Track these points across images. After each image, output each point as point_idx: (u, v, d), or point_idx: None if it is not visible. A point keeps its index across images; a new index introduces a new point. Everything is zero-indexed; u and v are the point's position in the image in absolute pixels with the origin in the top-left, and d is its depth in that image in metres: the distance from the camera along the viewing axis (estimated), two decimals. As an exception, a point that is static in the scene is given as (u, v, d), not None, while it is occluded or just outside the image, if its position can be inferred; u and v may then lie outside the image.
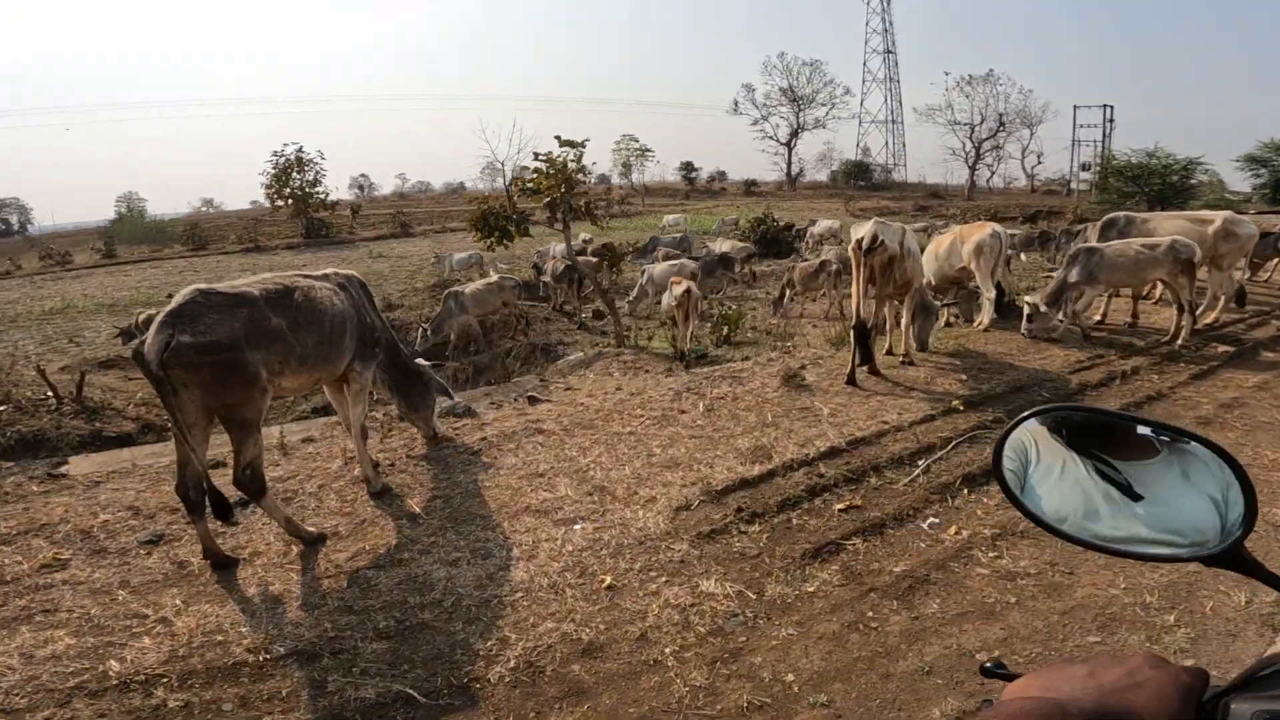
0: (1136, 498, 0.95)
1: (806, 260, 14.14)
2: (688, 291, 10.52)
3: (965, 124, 55.90)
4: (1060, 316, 8.02)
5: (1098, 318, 9.15)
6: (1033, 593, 3.44)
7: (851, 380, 6.77)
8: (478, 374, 11.47)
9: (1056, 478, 1.02)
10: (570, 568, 3.98)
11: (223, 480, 4.44)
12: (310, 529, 4.49)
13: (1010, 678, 0.77)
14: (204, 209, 64.88)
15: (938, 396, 6.34)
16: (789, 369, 7.06)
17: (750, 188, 59.12)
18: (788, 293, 12.93)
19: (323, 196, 37.59)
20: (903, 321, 7.78)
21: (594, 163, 12.68)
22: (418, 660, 3.33)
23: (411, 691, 3.11)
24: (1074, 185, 50.18)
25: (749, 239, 24.25)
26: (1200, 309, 8.60)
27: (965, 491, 4.57)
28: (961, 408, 5.98)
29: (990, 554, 3.82)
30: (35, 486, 5.53)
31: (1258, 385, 6.60)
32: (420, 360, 6.13)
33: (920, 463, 5.00)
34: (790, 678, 3.04)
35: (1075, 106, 51.52)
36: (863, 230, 6.79)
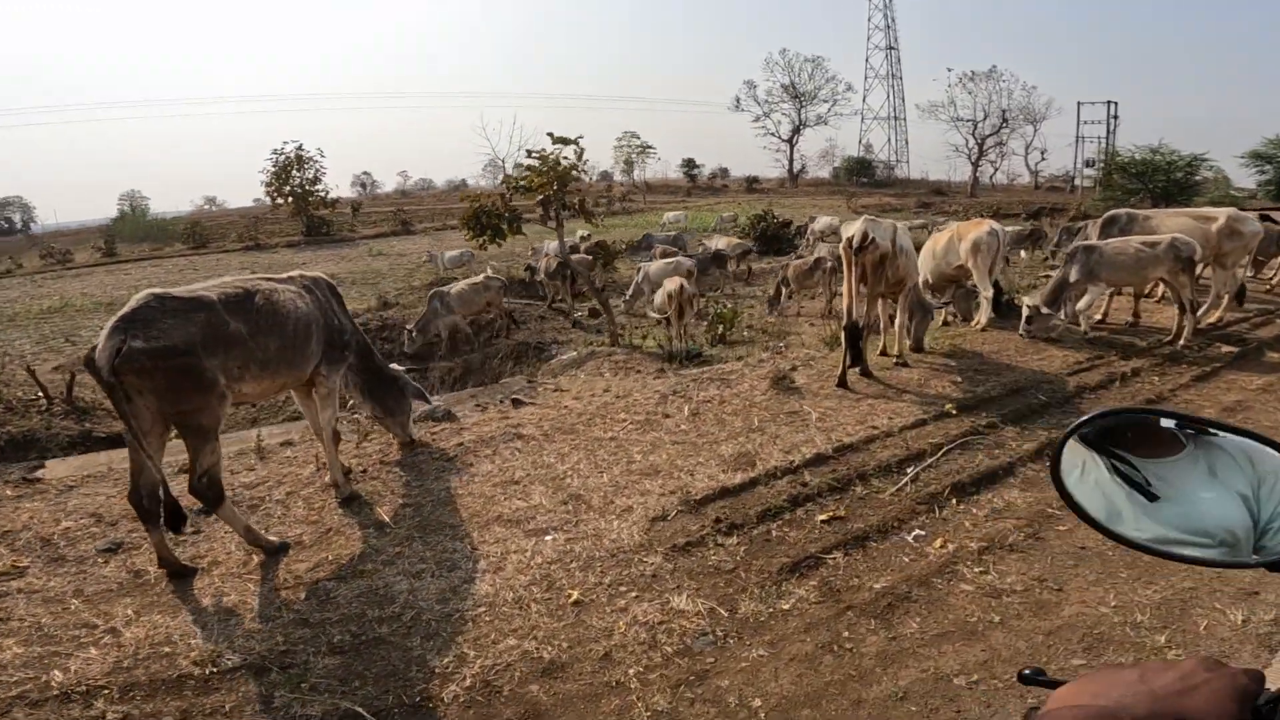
0: (1153, 498, 0.92)
1: (801, 258, 13.93)
2: (680, 288, 10.34)
3: (968, 120, 55.53)
4: (1060, 316, 7.83)
5: (1099, 317, 8.95)
6: (1018, 611, 3.26)
7: (843, 383, 6.59)
8: (466, 374, 11.32)
9: (1077, 478, 1.01)
10: (537, 581, 3.82)
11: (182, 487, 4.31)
12: (272, 538, 4.34)
13: (1051, 685, 0.74)
14: (206, 207, 64.85)
15: (930, 400, 6.16)
16: (778, 371, 6.88)
17: (752, 184, 58.80)
18: (783, 291, 12.74)
19: (323, 194, 37.43)
20: (896, 321, 7.60)
21: (587, 160, 12.42)
22: (370, 677, 3.19)
23: (360, 710, 2.97)
24: (1078, 182, 49.78)
25: (748, 236, 24.08)
26: (1203, 308, 8.40)
27: (954, 502, 4.39)
28: (955, 412, 5.80)
29: (976, 569, 3.63)
30: (9, 490, 5.42)
31: (1262, 387, 6.40)
32: (394, 366, 5.97)
33: (909, 470, 4.82)
34: (757, 703, 2.86)
35: (1079, 103, 51.18)
36: (853, 228, 6.62)
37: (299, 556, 4.23)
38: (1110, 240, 7.81)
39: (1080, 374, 6.76)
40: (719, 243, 19.28)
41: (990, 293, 8.35)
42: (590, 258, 14.58)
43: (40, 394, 10.34)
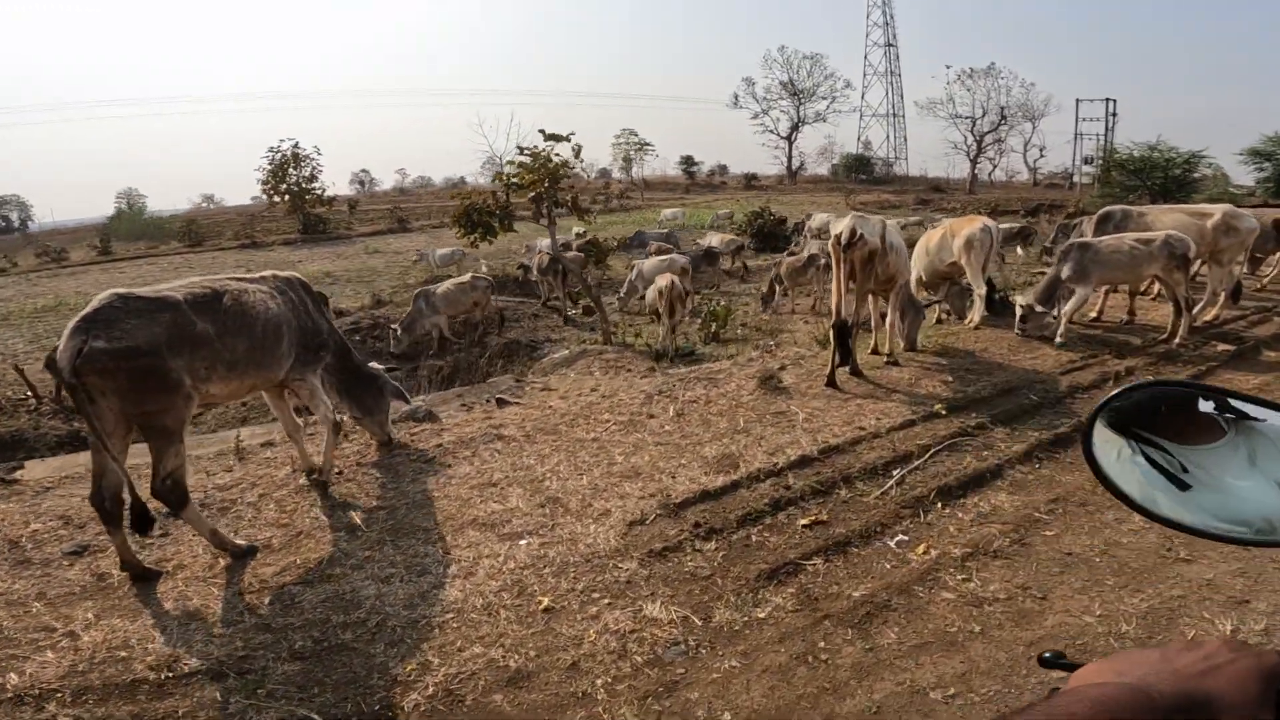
0: (1184, 487, 0.88)
1: (794, 255, 13.81)
2: (671, 285, 10.23)
3: (966, 117, 55.32)
4: (1055, 314, 7.71)
5: (1094, 314, 8.84)
6: (999, 621, 3.15)
7: (831, 382, 6.47)
8: (455, 373, 11.21)
9: (1114, 459, 0.94)
10: (508, 587, 3.71)
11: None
12: (240, 541, 4.25)
13: (1070, 667, 0.72)
14: (204, 205, 64.67)
15: (920, 399, 6.04)
16: (766, 370, 6.77)
17: (751, 181, 58.61)
18: (777, 289, 12.62)
19: (319, 192, 37.29)
20: (888, 320, 7.48)
21: (579, 158, 12.32)
22: (330, 684, 3.11)
23: (316, 717, 2.90)
24: (1076, 179, 49.63)
25: (745, 233, 23.98)
26: (1199, 306, 8.28)
27: (939, 505, 4.27)
28: (944, 412, 5.68)
29: (959, 576, 3.52)
30: (-14, 492, 5.33)
31: (1259, 387, 6.29)
32: (374, 364, 5.87)
33: (895, 473, 4.70)
34: (726, 717, 2.75)
35: (1078, 100, 50.96)
36: (842, 225, 6.50)
37: (266, 560, 4.13)
38: (1104, 238, 7.68)
39: (1073, 373, 6.65)
40: (713, 239, 19.18)
41: (983, 290, 8.24)
42: (582, 255, 14.44)
43: (30, 393, 10.26)
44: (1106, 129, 47.93)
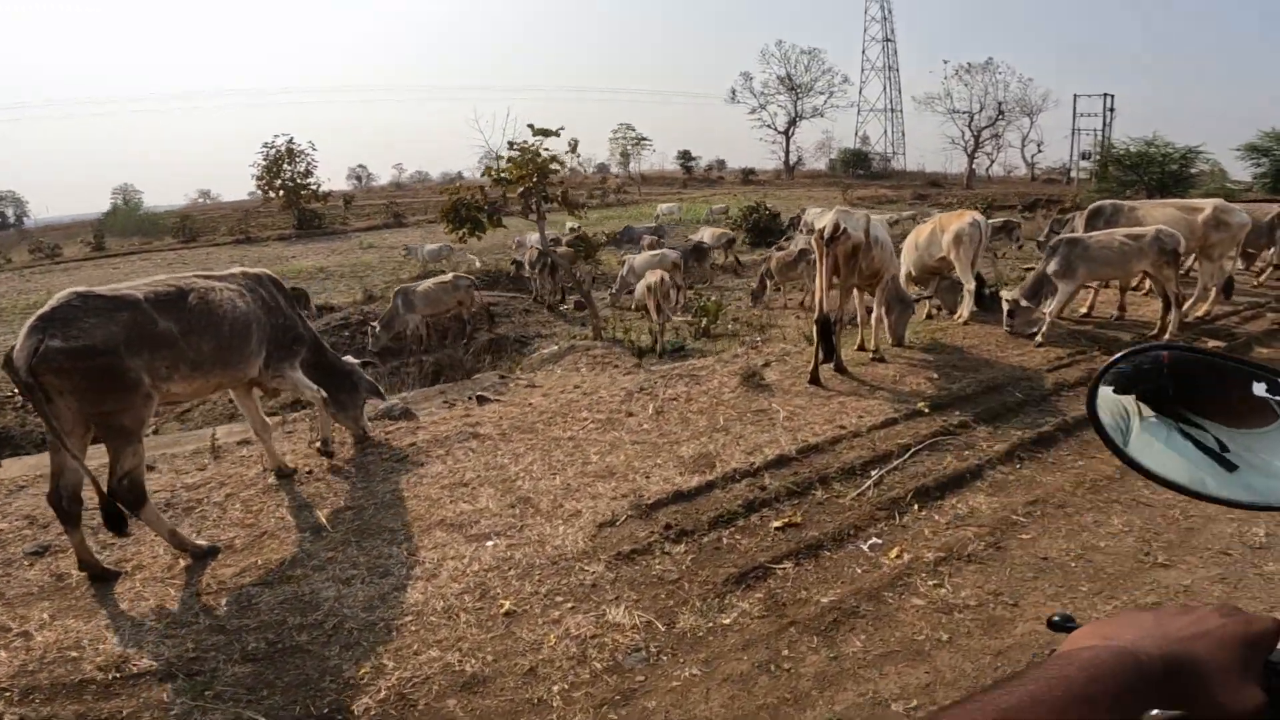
0: (1231, 467, 0.85)
1: (782, 249, 13.72)
2: (659, 281, 10.14)
3: (964, 113, 55.16)
4: (1043, 310, 7.60)
5: (1084, 310, 8.74)
6: (968, 629, 3.05)
7: (815, 379, 6.37)
8: (441, 370, 11.12)
9: (1136, 434, 0.91)
10: (471, 589, 3.63)
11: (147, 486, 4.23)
12: (200, 542, 4.17)
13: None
14: (200, 200, 64.48)
15: (904, 397, 5.95)
16: (749, 367, 6.67)
17: (748, 176, 58.43)
18: (767, 284, 12.52)
19: (314, 188, 37.17)
20: (873, 315, 7.38)
21: (568, 151, 12.22)
22: (280, 686, 3.05)
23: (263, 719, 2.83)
24: (1074, 174, 49.48)
25: (740, 228, 23.91)
26: (1190, 301, 8.18)
27: (915, 507, 4.17)
28: (927, 410, 5.58)
29: (930, 582, 3.42)
30: (-42, 491, 5.24)
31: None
32: (348, 358, 5.78)
33: (873, 473, 4.60)
34: (683, 728, 2.67)
35: (1075, 95, 50.88)
36: (825, 219, 6.40)
37: (227, 560, 4.05)
38: (1093, 233, 7.57)
39: (1060, 370, 6.54)
40: (704, 234, 19.08)
41: (973, 285, 8.13)
42: (571, 250, 14.34)
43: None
44: (1104, 124, 47.83)
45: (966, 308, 8.27)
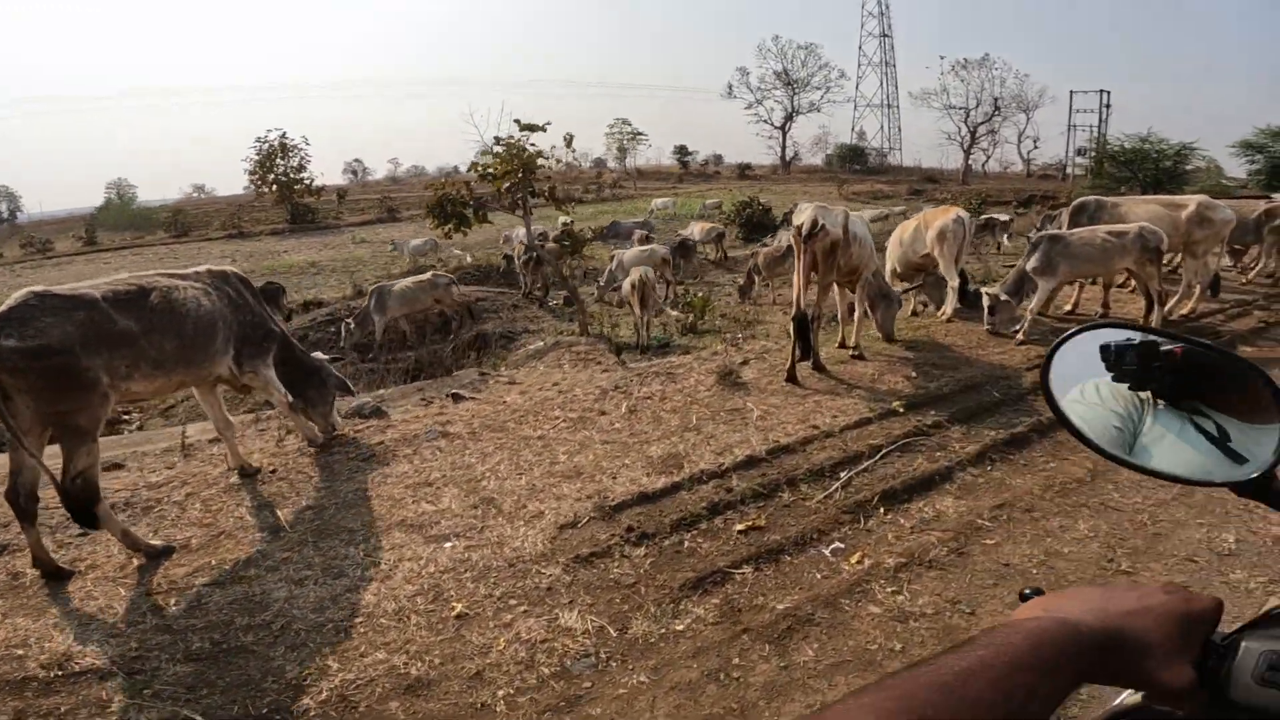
0: (1241, 460, 0.85)
1: (767, 245, 13.65)
2: (641, 278, 10.08)
3: (960, 108, 54.94)
4: (1025, 307, 7.53)
5: (1068, 308, 8.68)
6: (923, 638, 2.98)
7: (791, 377, 6.30)
8: (422, 366, 11.04)
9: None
10: (424, 591, 3.56)
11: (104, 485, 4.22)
12: (155, 542, 4.12)
13: None
14: (195, 195, 64.25)
15: (880, 396, 5.88)
16: (727, 365, 6.59)
17: (744, 171, 58.29)
18: (755, 279, 12.46)
19: (308, 182, 37.02)
20: (855, 313, 7.30)
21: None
22: (221, 686, 3.01)
23: (198, 719, 2.80)
24: (1070, 170, 49.37)
25: (733, 223, 23.87)
26: (1175, 299, 8.12)
27: (881, 510, 4.10)
28: (901, 410, 5.52)
29: (889, 589, 3.35)
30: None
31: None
32: (317, 354, 5.71)
33: (842, 475, 4.53)
34: (626, 738, 2.60)
35: (1071, 91, 50.62)
36: (804, 215, 6.33)
37: (181, 560, 3.99)
38: (1076, 230, 7.49)
39: (1039, 369, 6.46)
40: (694, 229, 19.04)
41: (956, 282, 8.07)
42: (558, 246, 14.27)
43: None
44: (1100, 120, 47.62)
45: (950, 304, 8.20)
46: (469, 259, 20.44)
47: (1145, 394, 0.92)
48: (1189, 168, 26.22)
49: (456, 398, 6.72)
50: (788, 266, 11.99)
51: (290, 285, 19.77)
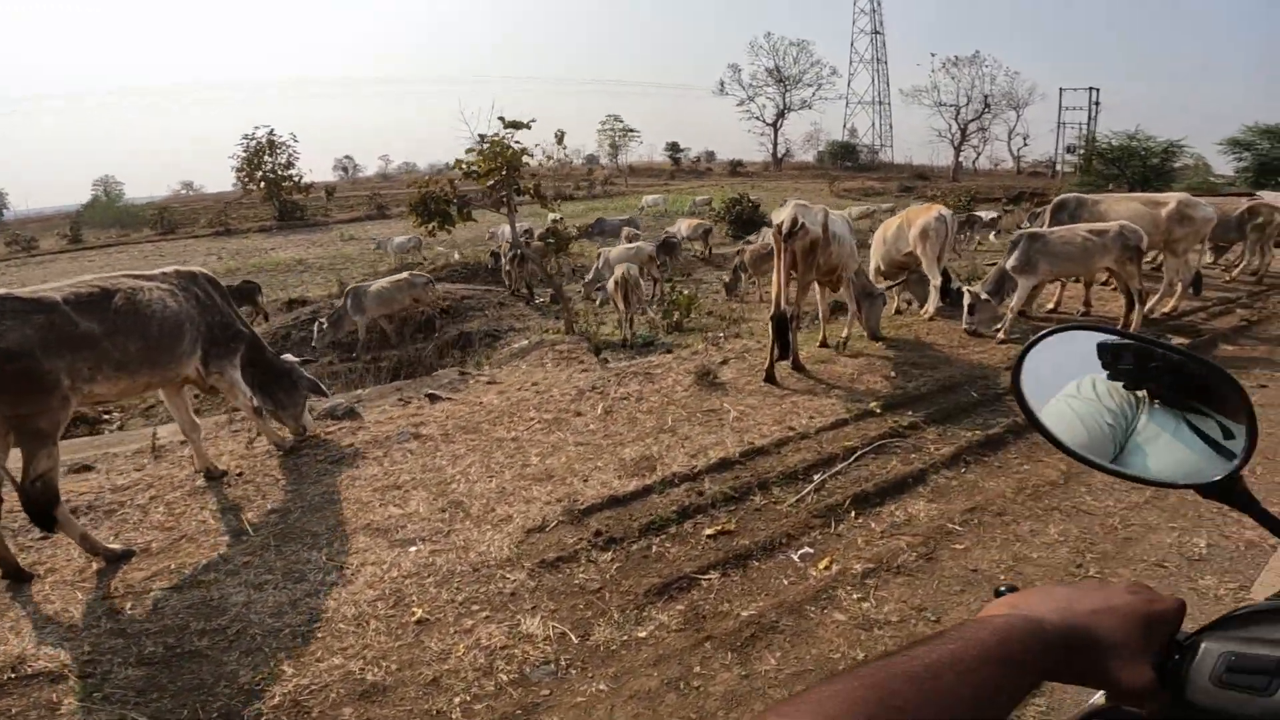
0: (1232, 457, 0.85)
1: (751, 242, 13.60)
2: (624, 276, 10.02)
3: (951, 105, 55.13)
4: (1005, 305, 7.50)
5: (1050, 306, 8.66)
6: (886, 646, 2.93)
7: (770, 377, 6.26)
8: (401, 367, 10.95)
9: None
10: (385, 596, 3.50)
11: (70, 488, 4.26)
12: (114, 546, 4.05)
13: None
14: (182, 192, 63.81)
15: (858, 396, 5.84)
16: (705, 365, 6.54)
17: (736, 168, 58.31)
18: (741, 276, 12.41)
19: (296, 179, 36.78)
20: (847, 312, 7.26)
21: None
22: (172, 690, 2.96)
23: None
24: (1059, 167, 49.55)
25: (723, 220, 23.86)
26: (1156, 297, 8.11)
27: (853, 514, 4.05)
28: (879, 410, 5.48)
29: (855, 595, 3.30)
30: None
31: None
32: (288, 356, 5.64)
33: (815, 478, 4.48)
34: (581, 748, 2.55)
35: (1061, 89, 50.90)
36: (783, 213, 6.28)
37: (140, 564, 3.92)
38: (1056, 228, 7.46)
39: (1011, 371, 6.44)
40: (681, 226, 19.01)
41: (938, 280, 8.04)
42: (542, 243, 14.19)
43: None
44: (1090, 118, 47.84)
45: (932, 303, 8.17)
46: (457, 256, 20.33)
47: (1141, 393, 0.93)
48: (1177, 165, 26.33)
49: (433, 398, 6.65)
50: (773, 263, 11.97)
51: (276, 283, 19.65)
